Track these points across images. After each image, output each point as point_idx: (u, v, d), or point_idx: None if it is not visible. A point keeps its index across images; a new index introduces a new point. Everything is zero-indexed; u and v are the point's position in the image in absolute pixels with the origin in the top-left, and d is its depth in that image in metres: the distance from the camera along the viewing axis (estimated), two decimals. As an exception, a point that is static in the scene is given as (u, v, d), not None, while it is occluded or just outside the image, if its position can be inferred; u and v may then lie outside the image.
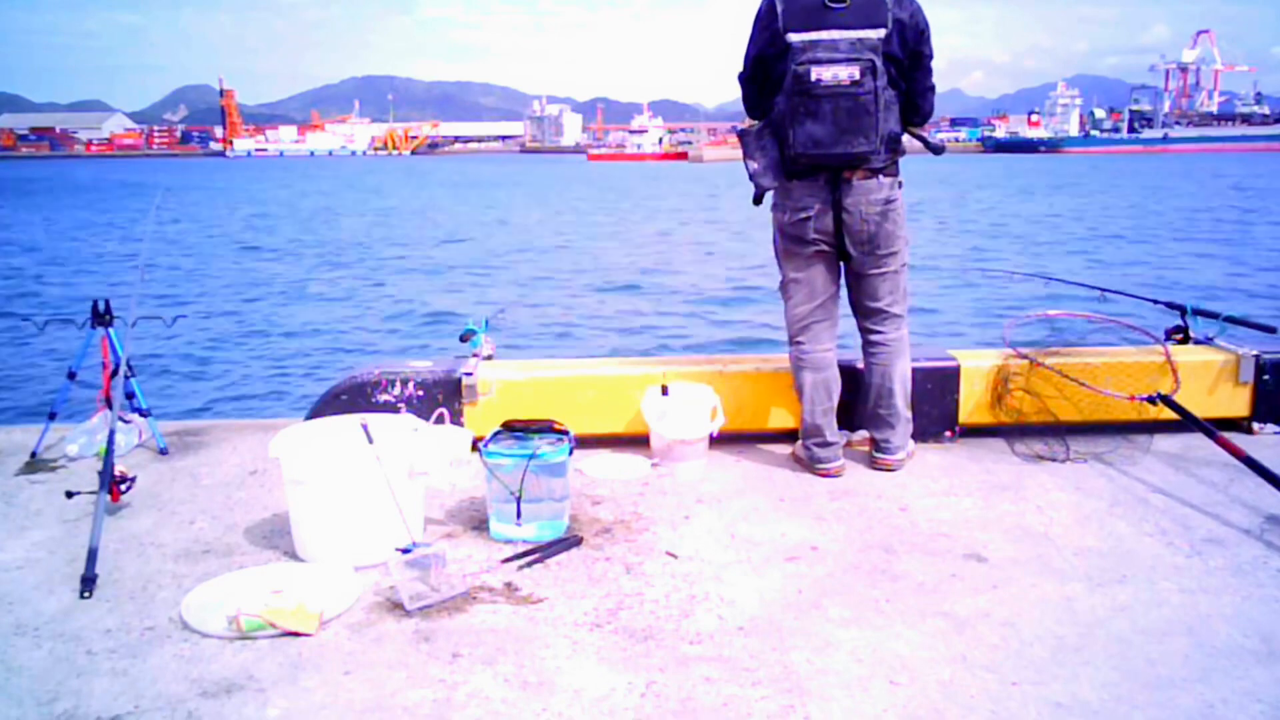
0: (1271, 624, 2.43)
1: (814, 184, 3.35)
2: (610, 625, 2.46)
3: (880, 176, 3.35)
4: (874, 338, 3.59)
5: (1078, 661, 2.26)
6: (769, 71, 3.32)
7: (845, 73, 3.14)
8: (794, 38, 3.19)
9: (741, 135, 3.44)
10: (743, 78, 3.44)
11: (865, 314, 3.59)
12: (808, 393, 3.58)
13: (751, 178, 3.38)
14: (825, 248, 3.44)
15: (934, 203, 37.59)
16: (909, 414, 3.64)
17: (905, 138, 3.45)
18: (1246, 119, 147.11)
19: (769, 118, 3.37)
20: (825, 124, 3.19)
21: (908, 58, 3.29)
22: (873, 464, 3.63)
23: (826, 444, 3.56)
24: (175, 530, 3.10)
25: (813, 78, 3.16)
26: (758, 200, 3.47)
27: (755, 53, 3.34)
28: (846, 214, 3.34)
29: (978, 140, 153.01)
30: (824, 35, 3.16)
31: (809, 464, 3.60)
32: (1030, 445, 3.80)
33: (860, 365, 3.72)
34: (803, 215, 3.39)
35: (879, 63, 3.16)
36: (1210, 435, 3.53)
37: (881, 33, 3.18)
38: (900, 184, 3.45)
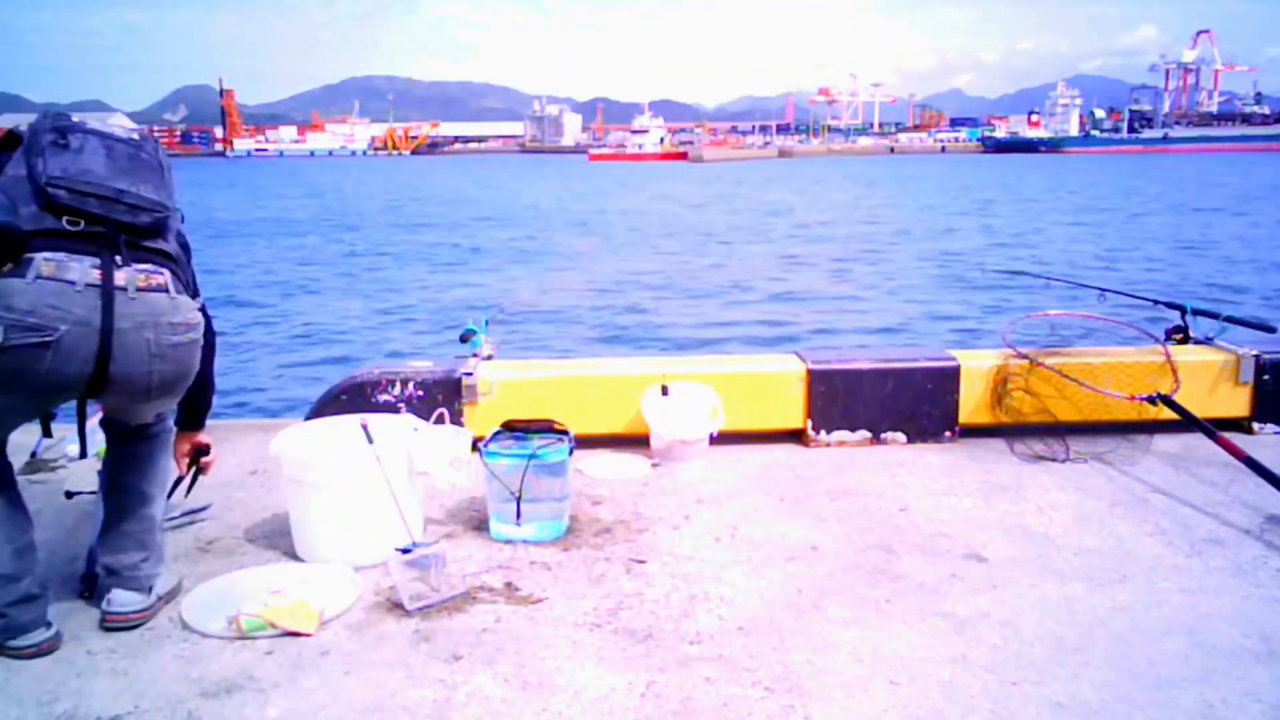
0: (1271, 624, 2.43)
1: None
2: (610, 625, 2.46)
3: None
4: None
5: (1078, 661, 2.26)
6: None
7: None
8: None
9: None
10: None
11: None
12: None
13: None
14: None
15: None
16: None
17: None
18: (1246, 119, 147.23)
19: None
20: None
21: None
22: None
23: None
24: (175, 530, 3.10)
25: None
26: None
27: None
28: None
29: (978, 140, 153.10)
30: None
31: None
32: (1030, 445, 3.80)
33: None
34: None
35: None
36: (1210, 435, 3.53)
37: None
38: None
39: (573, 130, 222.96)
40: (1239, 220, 29.34)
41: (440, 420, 3.32)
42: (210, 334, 2.45)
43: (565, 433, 3.12)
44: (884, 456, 3.79)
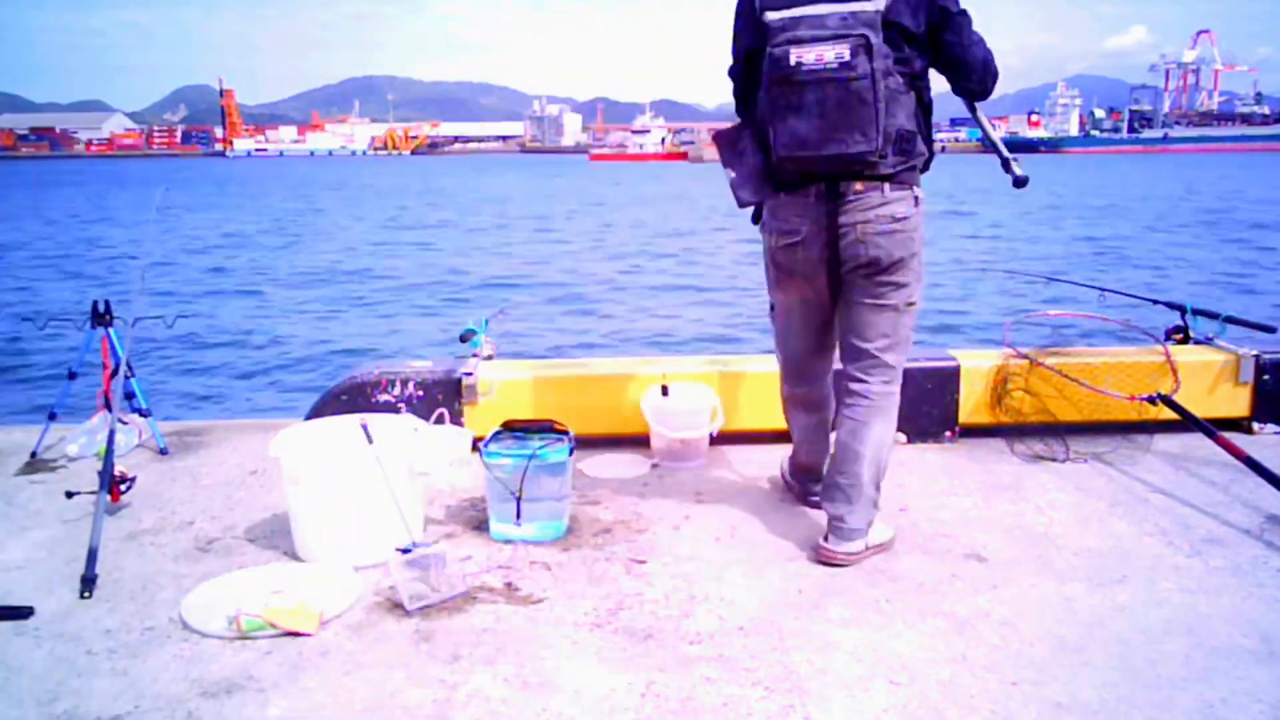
0: (1271, 624, 2.43)
1: (804, 199, 2.72)
2: (610, 625, 2.46)
3: (888, 187, 2.67)
4: (853, 386, 2.86)
5: (1078, 661, 2.26)
6: (755, 64, 2.72)
7: (831, 53, 2.51)
8: (771, 16, 2.60)
9: (717, 138, 2.82)
10: (731, 72, 2.87)
11: (849, 355, 2.89)
12: (799, 435, 3.21)
13: (732, 189, 2.77)
14: (821, 276, 2.82)
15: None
16: (876, 493, 2.85)
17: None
18: (1246, 119, 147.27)
19: (751, 117, 2.80)
20: (811, 119, 2.56)
21: (928, 26, 2.63)
22: (817, 554, 2.83)
23: (819, 480, 3.13)
24: (175, 530, 3.10)
25: (792, 61, 2.55)
26: (756, 218, 2.96)
27: (745, 44, 2.76)
28: (842, 236, 2.70)
29: (978, 140, 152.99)
30: (807, 10, 2.56)
31: (801, 495, 3.29)
32: (1030, 445, 3.80)
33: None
34: (790, 240, 2.79)
35: (875, 40, 2.51)
36: (1210, 435, 3.52)
37: (881, 3, 2.54)
38: (918, 199, 2.74)
39: (573, 130, 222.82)
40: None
41: (440, 420, 3.33)
42: None
43: (565, 433, 3.12)
44: (884, 456, 3.79)
